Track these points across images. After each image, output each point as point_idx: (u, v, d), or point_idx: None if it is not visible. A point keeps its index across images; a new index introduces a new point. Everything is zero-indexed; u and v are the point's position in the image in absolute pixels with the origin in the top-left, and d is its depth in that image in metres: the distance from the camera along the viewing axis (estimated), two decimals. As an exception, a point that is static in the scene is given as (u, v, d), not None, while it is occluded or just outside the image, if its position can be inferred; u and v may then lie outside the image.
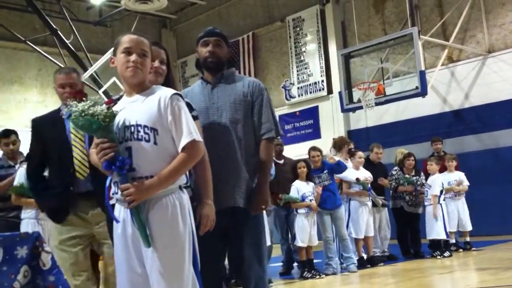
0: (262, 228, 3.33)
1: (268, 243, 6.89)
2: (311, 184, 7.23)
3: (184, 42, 16.71)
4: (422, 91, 9.89)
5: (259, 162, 3.25)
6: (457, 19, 10.96)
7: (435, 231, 7.99)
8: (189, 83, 16.51)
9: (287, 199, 7.15)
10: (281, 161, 8.23)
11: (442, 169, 8.68)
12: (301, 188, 7.15)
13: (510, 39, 10.79)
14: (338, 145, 8.10)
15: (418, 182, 8.32)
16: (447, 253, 7.93)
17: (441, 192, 8.12)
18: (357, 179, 7.58)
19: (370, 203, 7.80)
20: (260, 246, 3.27)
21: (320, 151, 7.56)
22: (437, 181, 8.09)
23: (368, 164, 8.23)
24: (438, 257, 7.90)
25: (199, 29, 13.89)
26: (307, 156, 7.73)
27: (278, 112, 14.11)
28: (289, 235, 7.66)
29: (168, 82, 3.02)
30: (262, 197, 3.21)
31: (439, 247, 8.03)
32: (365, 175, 7.78)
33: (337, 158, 7.68)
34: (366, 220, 7.63)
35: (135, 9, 12.88)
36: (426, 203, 8.18)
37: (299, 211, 7.15)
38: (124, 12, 13.84)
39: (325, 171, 7.37)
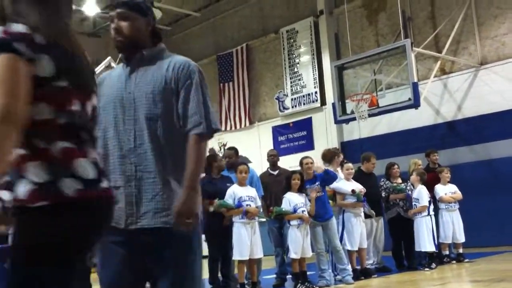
0: (194, 253, 2.52)
1: (260, 255, 6.92)
2: (303, 195, 7.21)
3: (179, 53, 16.43)
4: (415, 103, 9.93)
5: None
6: (449, 31, 11.03)
7: (423, 243, 7.97)
8: (183, 94, 16.50)
9: (278, 211, 7.13)
10: (276, 172, 8.26)
11: (436, 181, 8.70)
12: (292, 200, 7.12)
13: (503, 51, 10.85)
14: (328, 157, 8.09)
15: (408, 188, 8.34)
16: (433, 265, 7.92)
17: (430, 203, 8.14)
18: (353, 191, 7.56)
19: (363, 215, 7.79)
20: (191, 280, 2.51)
21: (336, 154, 7.54)
22: (424, 193, 8.10)
23: (361, 175, 8.23)
24: (426, 269, 7.88)
25: (193, 40, 14.07)
26: (300, 168, 7.72)
27: (272, 123, 14.15)
28: (283, 247, 7.64)
29: None
30: (185, 207, 2.38)
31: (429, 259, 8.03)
32: (358, 186, 7.77)
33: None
34: (360, 232, 7.62)
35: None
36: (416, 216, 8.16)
37: (291, 222, 7.12)
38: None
39: (317, 183, 7.36)
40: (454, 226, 8.49)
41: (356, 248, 7.55)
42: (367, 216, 7.93)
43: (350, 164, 7.96)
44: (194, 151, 2.47)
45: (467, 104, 11.10)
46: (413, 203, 8.13)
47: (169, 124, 2.51)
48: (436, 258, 8.17)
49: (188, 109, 2.50)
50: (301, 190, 7.20)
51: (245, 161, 8.05)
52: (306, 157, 7.68)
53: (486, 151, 10.67)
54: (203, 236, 7.26)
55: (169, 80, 2.53)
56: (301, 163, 7.66)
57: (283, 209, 7.10)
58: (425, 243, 7.94)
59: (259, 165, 8.67)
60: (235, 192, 6.79)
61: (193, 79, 2.54)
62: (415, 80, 9.91)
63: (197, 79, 2.55)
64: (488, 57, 11.03)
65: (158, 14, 13.15)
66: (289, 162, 10.85)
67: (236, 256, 6.69)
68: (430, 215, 8.08)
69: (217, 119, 2.62)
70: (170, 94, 2.52)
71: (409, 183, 8.33)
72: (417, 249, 8.11)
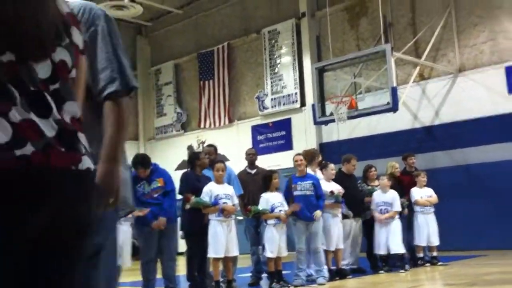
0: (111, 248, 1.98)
1: (236, 253, 6.90)
2: (281, 194, 7.22)
3: (159, 50, 16.65)
4: (393, 107, 10.01)
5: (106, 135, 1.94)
6: (429, 38, 11.15)
7: (392, 245, 8.03)
8: (162, 90, 16.45)
9: (256, 211, 7.12)
10: (253, 171, 8.24)
11: (412, 184, 8.79)
12: (270, 199, 7.12)
13: (481, 59, 11.01)
14: (309, 157, 8.10)
15: (375, 190, 8.40)
16: (407, 267, 8.00)
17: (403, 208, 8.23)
18: (332, 192, 7.58)
19: (340, 216, 7.82)
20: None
21: (311, 156, 7.51)
22: (397, 198, 8.18)
23: (341, 176, 8.27)
24: (401, 271, 7.96)
25: (175, 37, 14.01)
26: (278, 167, 7.74)
27: (252, 122, 14.16)
28: (259, 246, 7.64)
29: None
30: (103, 183, 1.83)
31: (394, 261, 8.10)
32: (337, 187, 7.80)
33: (308, 171, 7.69)
34: (337, 233, 7.64)
35: (110, 15, 12.76)
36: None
37: (268, 221, 7.12)
38: (99, 17, 13.69)
39: (308, 181, 7.32)
40: (429, 229, 8.57)
41: (332, 249, 7.57)
42: (345, 217, 7.96)
43: (332, 165, 7.99)
44: (112, 113, 1.95)
45: (445, 110, 11.24)
46: (385, 207, 8.16)
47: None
48: (411, 260, 8.24)
49: (96, 64, 1.98)
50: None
51: (223, 159, 8.02)
52: (298, 154, 7.68)
53: (462, 157, 10.82)
54: (181, 233, 7.26)
55: None
56: (293, 159, 7.65)
57: (261, 209, 7.10)
58: (385, 245, 8.00)
59: (237, 164, 8.64)
60: (212, 189, 6.77)
61: (97, 25, 2.03)
62: (394, 85, 9.98)
63: (104, 26, 2.04)
64: (466, 65, 11.18)
65: (139, 9, 13.05)
66: (268, 162, 10.89)
67: (211, 253, 6.66)
68: (400, 219, 8.17)
69: (133, 75, 2.08)
70: None
71: (378, 187, 8.38)
72: (376, 251, 8.16)
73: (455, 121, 11.02)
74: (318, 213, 7.13)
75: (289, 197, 7.30)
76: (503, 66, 10.63)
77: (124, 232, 6.25)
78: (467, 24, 11.22)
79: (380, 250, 8.08)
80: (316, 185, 7.30)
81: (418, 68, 11.33)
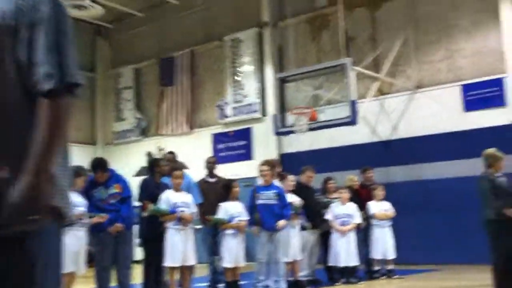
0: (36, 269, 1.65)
1: (193, 262, 6.82)
2: (241, 204, 7.19)
3: (120, 53, 16.41)
4: (352, 120, 10.12)
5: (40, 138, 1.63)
6: (389, 54, 11.36)
7: (347, 257, 8.10)
8: (122, 94, 16.20)
9: (215, 221, 7.07)
10: (213, 180, 8.19)
11: (369, 198, 8.90)
12: (229, 209, 7.09)
13: (438, 76, 11.28)
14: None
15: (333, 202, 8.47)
16: (354, 279, 8.09)
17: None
18: (290, 203, 7.59)
19: (298, 227, 7.84)
20: None
21: (272, 166, 7.48)
22: (356, 210, 8.26)
23: (300, 187, 8.29)
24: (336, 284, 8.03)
25: (136, 41, 13.77)
26: (238, 177, 7.71)
27: (212, 130, 14.08)
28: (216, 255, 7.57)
29: None
30: (26, 198, 1.58)
31: (349, 274, 8.17)
32: (296, 199, 7.82)
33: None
34: (295, 244, 7.65)
35: (69, 14, 12.54)
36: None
37: (227, 231, 7.09)
38: (59, 17, 13.42)
39: (273, 190, 7.29)
40: (385, 243, 8.69)
41: (290, 260, 7.57)
42: (302, 228, 7.98)
43: (291, 176, 8.00)
44: (46, 115, 1.64)
45: (403, 125, 11.45)
46: (346, 219, 8.23)
47: (3, 80, 1.66)
48: (367, 273, 8.33)
49: (35, 55, 1.68)
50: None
51: (182, 167, 7.94)
52: (265, 163, 7.64)
53: (419, 172, 11.03)
54: (138, 241, 7.13)
55: (5, 14, 1.69)
56: (258, 168, 7.61)
57: (220, 218, 7.05)
58: (343, 258, 8.07)
59: (197, 172, 8.57)
60: (170, 197, 6.69)
61: (40, 10, 1.70)
62: (354, 98, 10.10)
63: (47, 11, 1.72)
64: (424, 81, 11.43)
65: (100, 10, 12.85)
66: (228, 171, 10.83)
67: (168, 262, 6.59)
68: (356, 231, 8.27)
69: (77, 71, 1.74)
70: (6, 32, 1.67)
71: (336, 200, 8.45)
72: (332, 263, 8.22)
73: (412, 136, 11.23)
74: (281, 222, 7.12)
75: (252, 207, 7.28)
76: (460, 84, 10.91)
77: (79, 239, 6.11)
78: (425, 42, 11.48)
79: (337, 262, 8.12)
80: (281, 195, 7.30)
81: (377, 83, 11.51)
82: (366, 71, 11.00)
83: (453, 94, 10.94)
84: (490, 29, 10.71)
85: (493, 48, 10.66)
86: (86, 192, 6.42)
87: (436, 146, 10.85)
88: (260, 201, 7.25)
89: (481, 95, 10.66)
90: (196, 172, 8.59)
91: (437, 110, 11.04)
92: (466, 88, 10.84)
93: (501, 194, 6.65)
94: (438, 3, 11.36)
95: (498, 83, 10.49)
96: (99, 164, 6.61)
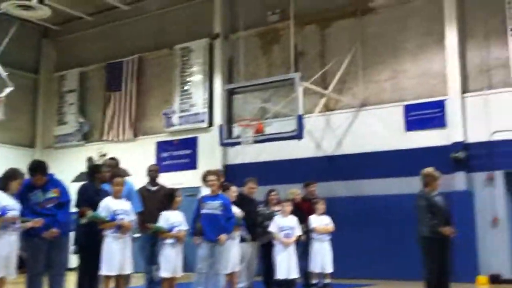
0: None
1: (129, 271, 6.67)
2: (181, 214, 7.11)
3: (66, 55, 16.06)
4: (298, 135, 10.19)
5: None
6: (337, 71, 11.54)
7: (288, 270, 8.12)
8: (65, 97, 15.82)
9: (156, 229, 6.96)
10: (154, 188, 8.06)
11: (311, 211, 8.96)
12: (170, 218, 7.00)
13: (383, 95, 11.54)
14: None
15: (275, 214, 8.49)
16: None
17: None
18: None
19: (238, 238, 7.80)
20: None
21: (218, 176, 7.42)
22: (298, 222, 8.32)
23: (242, 198, 8.27)
24: None
25: (83, 44, 13.52)
26: (181, 186, 7.63)
27: (157, 138, 13.93)
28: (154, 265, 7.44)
29: None
30: None
31: (288, 286, 8.20)
32: (236, 210, 7.78)
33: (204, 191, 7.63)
34: (234, 255, 7.59)
35: (16, 14, 12.19)
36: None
37: (166, 241, 6.98)
38: (3, 16, 13.01)
39: (218, 201, 7.21)
40: (323, 256, 8.76)
41: (229, 271, 7.51)
42: (242, 240, 7.95)
43: (234, 187, 7.98)
44: None
45: (347, 142, 11.64)
46: (290, 231, 8.25)
47: None
48: (305, 286, 8.36)
49: None
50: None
51: (123, 174, 7.78)
52: (212, 173, 7.56)
53: (360, 188, 11.21)
54: (73, 248, 6.92)
55: None
56: (205, 177, 7.52)
57: (160, 226, 6.95)
58: (285, 270, 8.09)
59: (139, 180, 8.41)
60: (109, 204, 6.56)
61: None
62: (301, 113, 10.19)
63: None
64: (369, 100, 11.67)
65: (47, 12, 12.54)
66: (171, 179, 10.70)
67: (104, 270, 6.43)
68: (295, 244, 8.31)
69: None
70: None
71: (278, 212, 8.48)
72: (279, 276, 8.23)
73: (355, 153, 11.43)
74: (222, 238, 7.06)
75: (197, 217, 7.20)
76: (403, 104, 11.20)
77: (10, 243, 5.88)
78: (372, 62, 11.74)
79: (280, 275, 8.10)
80: (226, 206, 7.24)
81: (324, 99, 11.67)
82: (314, 87, 11.14)
83: (396, 114, 11.22)
84: (435, 52, 11.07)
85: (436, 71, 11.01)
86: (22, 196, 6.19)
87: (377, 163, 11.07)
88: (204, 211, 7.18)
89: (423, 115, 10.98)
90: (138, 179, 8.44)
91: (380, 128, 11.28)
92: (409, 108, 11.13)
93: (436, 213, 6.85)
94: (386, 25, 11.66)
95: (439, 105, 10.83)
96: (38, 167, 6.40)
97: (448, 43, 10.77)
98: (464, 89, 10.63)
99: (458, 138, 10.43)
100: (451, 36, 10.73)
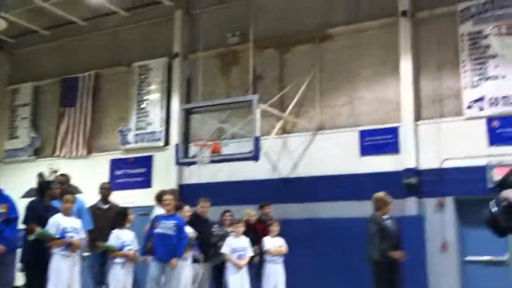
0: None
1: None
2: (133, 233, 7.00)
3: (20, 69, 15.72)
4: (255, 156, 10.21)
5: None
6: (294, 94, 11.65)
7: None
8: (17, 111, 15.45)
9: (106, 247, 6.83)
10: (106, 206, 7.91)
11: (265, 233, 8.96)
12: (121, 236, 6.88)
13: (339, 120, 11.69)
14: (162, 198, 7.95)
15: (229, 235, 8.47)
16: None
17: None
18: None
19: (190, 259, 7.72)
20: None
21: (174, 196, 7.36)
22: (250, 244, 8.31)
23: (196, 218, 8.21)
24: None
25: (38, 58, 13.34)
26: (133, 204, 7.53)
27: (111, 156, 13.71)
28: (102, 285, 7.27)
29: None
30: None
31: None
32: (190, 230, 7.72)
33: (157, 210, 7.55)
34: (186, 276, 7.50)
35: None
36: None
37: (116, 260, 6.85)
38: (-44, 26, 12.68)
39: (172, 221, 7.12)
40: (277, 278, 8.75)
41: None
42: (195, 260, 7.87)
43: (187, 207, 7.92)
44: None
45: (302, 164, 11.71)
46: (243, 252, 8.23)
47: None
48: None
49: None
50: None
51: (74, 191, 7.64)
52: (169, 192, 7.50)
53: (315, 210, 11.26)
54: (20, 265, 6.70)
55: None
56: (160, 197, 7.43)
57: (110, 245, 6.81)
58: None
59: (91, 197, 8.25)
60: (59, 221, 6.41)
61: None
62: (258, 135, 10.23)
63: None
64: (325, 124, 11.81)
65: (2, 24, 12.31)
66: (124, 198, 10.52)
67: (51, 289, 6.23)
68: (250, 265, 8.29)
69: None
70: None
71: (232, 233, 8.46)
72: None
73: (311, 176, 11.50)
74: (173, 262, 6.97)
75: (150, 236, 7.10)
76: (358, 130, 11.38)
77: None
78: (329, 87, 11.91)
79: None
80: (180, 227, 7.17)
81: (281, 121, 11.76)
82: (271, 109, 11.21)
83: (351, 138, 11.37)
84: (390, 81, 11.31)
85: (391, 99, 11.24)
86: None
87: (332, 186, 11.16)
88: (158, 230, 7.11)
89: (377, 141, 11.17)
90: (90, 197, 8.27)
91: (335, 152, 11.40)
92: (364, 134, 11.31)
93: (386, 237, 6.95)
94: (343, 52, 11.87)
95: (393, 131, 11.04)
96: (-15, 182, 6.20)
97: (402, 72, 11.03)
98: (417, 117, 10.88)
99: (411, 164, 10.64)
100: (406, 65, 11.00)
